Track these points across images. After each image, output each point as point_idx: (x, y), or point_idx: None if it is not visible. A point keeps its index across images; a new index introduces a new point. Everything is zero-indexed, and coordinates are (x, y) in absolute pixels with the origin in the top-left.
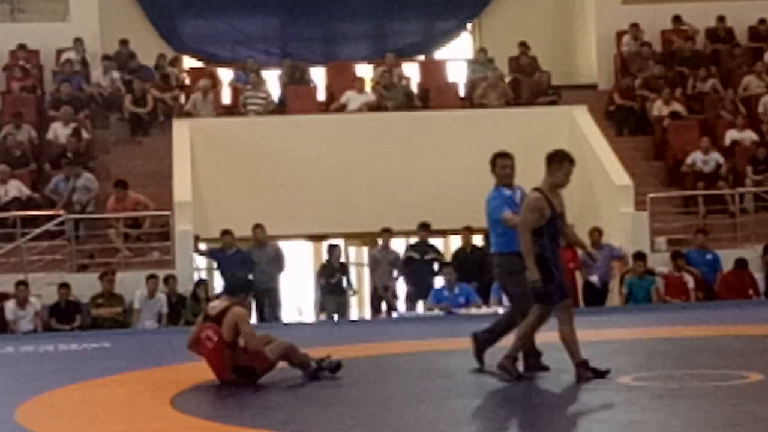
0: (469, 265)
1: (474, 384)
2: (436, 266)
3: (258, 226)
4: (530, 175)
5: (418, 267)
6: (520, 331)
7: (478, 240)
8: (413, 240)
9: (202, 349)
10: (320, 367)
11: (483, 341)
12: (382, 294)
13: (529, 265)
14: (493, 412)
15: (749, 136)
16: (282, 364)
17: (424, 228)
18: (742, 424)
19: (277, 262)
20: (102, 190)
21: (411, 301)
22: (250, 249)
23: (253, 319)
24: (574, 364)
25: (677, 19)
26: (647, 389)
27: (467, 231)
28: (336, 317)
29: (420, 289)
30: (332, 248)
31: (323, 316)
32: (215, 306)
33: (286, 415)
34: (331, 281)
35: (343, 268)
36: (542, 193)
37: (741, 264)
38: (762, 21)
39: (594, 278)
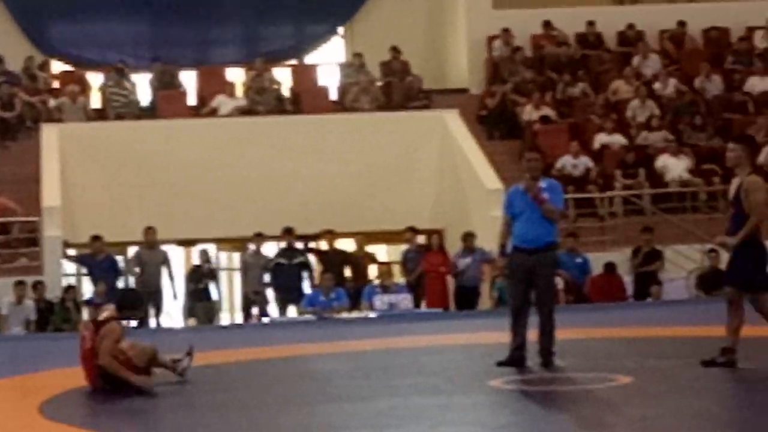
0: (333, 269)
1: (347, 388)
2: (304, 272)
3: (149, 229)
4: (403, 178)
5: (286, 272)
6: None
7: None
8: (284, 244)
9: (80, 347)
10: (180, 360)
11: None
12: (253, 299)
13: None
14: (367, 415)
15: (618, 140)
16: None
17: (288, 233)
18: (613, 427)
19: (165, 265)
20: None
21: (282, 305)
22: (141, 250)
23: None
24: None
25: (547, 24)
26: (518, 392)
27: (330, 234)
28: (205, 322)
29: (289, 293)
30: (202, 253)
31: (192, 321)
32: (104, 311)
33: (156, 420)
34: (200, 286)
35: (212, 274)
36: None
37: (610, 267)
38: (630, 26)
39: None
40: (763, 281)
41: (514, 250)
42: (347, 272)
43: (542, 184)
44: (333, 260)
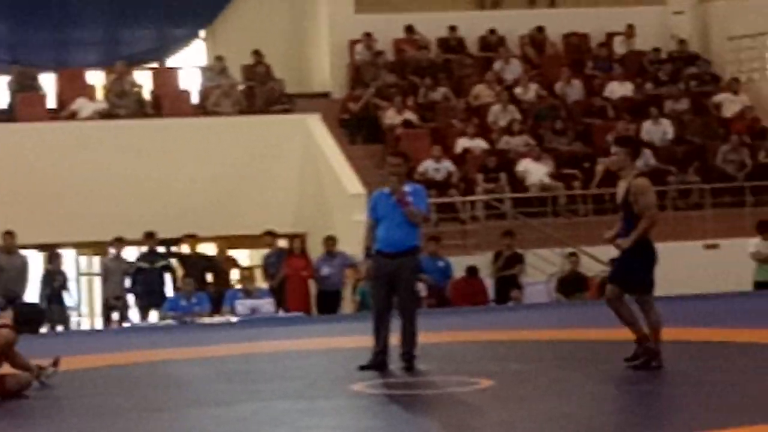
0: (195, 273)
1: (209, 393)
2: (167, 275)
3: (8, 233)
4: (265, 182)
5: (147, 276)
6: (655, 324)
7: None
8: (145, 249)
9: None
10: (45, 368)
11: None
12: (113, 303)
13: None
14: (228, 420)
15: (479, 144)
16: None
17: (150, 237)
18: (475, 430)
19: (23, 271)
20: None
21: (143, 310)
22: None
23: None
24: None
25: (410, 28)
26: (380, 396)
27: (191, 238)
28: (60, 328)
29: (151, 298)
30: (54, 257)
31: (46, 327)
32: (2, 317)
33: (14, 428)
34: (54, 290)
35: (63, 279)
36: None
37: (472, 271)
38: (492, 31)
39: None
40: (649, 282)
41: (377, 254)
42: (209, 276)
43: (407, 188)
44: (195, 264)
